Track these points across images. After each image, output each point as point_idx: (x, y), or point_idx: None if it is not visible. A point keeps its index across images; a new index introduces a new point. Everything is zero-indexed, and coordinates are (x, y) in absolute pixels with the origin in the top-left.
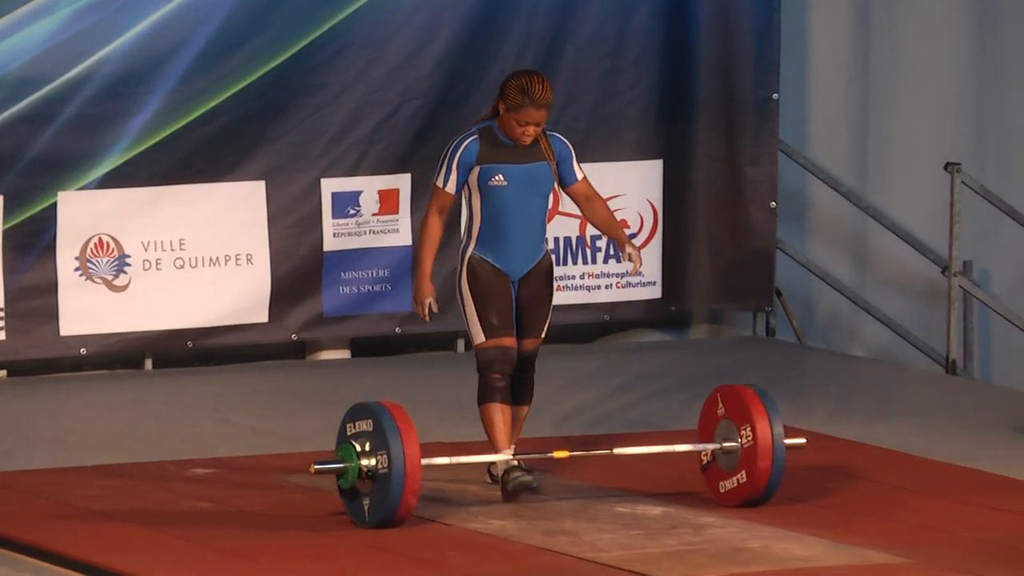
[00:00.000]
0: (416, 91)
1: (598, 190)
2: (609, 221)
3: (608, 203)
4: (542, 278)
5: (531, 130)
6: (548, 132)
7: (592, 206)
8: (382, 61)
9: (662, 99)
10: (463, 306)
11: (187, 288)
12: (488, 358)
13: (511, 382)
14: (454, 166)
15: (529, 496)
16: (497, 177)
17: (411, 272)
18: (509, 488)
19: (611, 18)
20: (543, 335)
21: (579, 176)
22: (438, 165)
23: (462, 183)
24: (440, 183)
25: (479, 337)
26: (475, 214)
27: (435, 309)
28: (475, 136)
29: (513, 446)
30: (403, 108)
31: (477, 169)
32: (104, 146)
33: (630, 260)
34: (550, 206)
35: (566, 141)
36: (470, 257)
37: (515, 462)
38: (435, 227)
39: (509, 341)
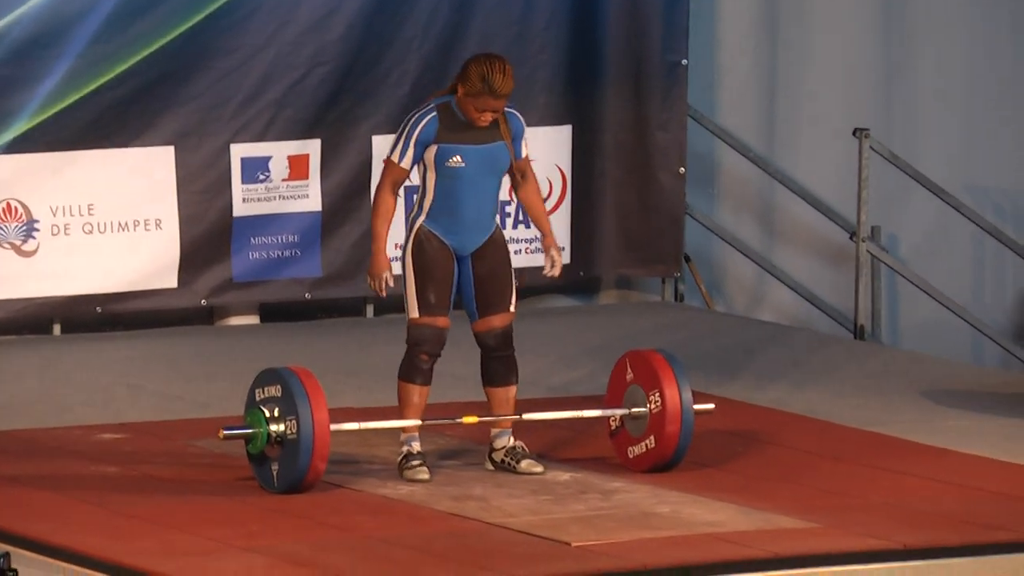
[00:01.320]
0: (326, 55)
1: None
2: (538, 208)
3: None
4: (498, 251)
5: (488, 116)
6: (506, 109)
7: (526, 184)
8: (292, 25)
9: (570, 65)
10: (404, 277)
11: (96, 253)
12: (419, 335)
13: (489, 363)
14: (412, 143)
15: (438, 463)
16: (455, 158)
17: (320, 238)
18: (402, 476)
19: None
20: (512, 309)
21: (523, 154)
22: (395, 139)
23: (417, 159)
24: (396, 158)
25: (413, 312)
26: (428, 189)
27: (391, 283)
28: (433, 113)
29: (512, 437)
30: (313, 72)
31: (435, 148)
32: (12, 110)
33: (552, 264)
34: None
35: (521, 118)
36: (418, 229)
37: (417, 450)
38: (389, 201)
39: (443, 322)
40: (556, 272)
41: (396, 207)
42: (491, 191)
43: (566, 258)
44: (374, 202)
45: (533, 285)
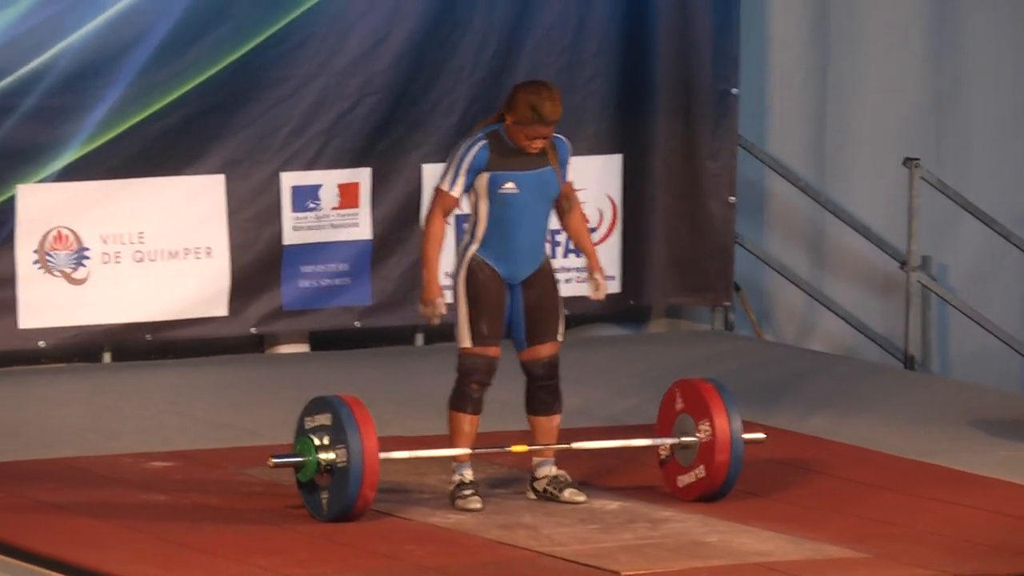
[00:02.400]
0: (376, 85)
1: None
2: (582, 232)
3: None
4: (547, 281)
5: (539, 143)
6: (553, 135)
7: (571, 207)
8: (342, 54)
9: (621, 93)
10: (455, 305)
11: (146, 281)
12: (471, 365)
13: (535, 392)
14: (463, 171)
15: (487, 491)
16: (508, 185)
17: (370, 266)
18: (454, 504)
19: (569, 12)
20: (560, 338)
21: (568, 178)
22: (445, 167)
23: (468, 187)
24: (446, 187)
25: (465, 342)
26: (480, 218)
27: (443, 310)
28: (484, 141)
29: (554, 466)
30: (363, 102)
31: (486, 175)
32: (63, 139)
33: (596, 288)
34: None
35: (568, 144)
36: (471, 258)
37: (469, 478)
38: (440, 229)
39: (494, 351)
40: (601, 296)
41: (445, 235)
42: (542, 217)
43: (616, 287)
44: (425, 230)
45: (582, 314)
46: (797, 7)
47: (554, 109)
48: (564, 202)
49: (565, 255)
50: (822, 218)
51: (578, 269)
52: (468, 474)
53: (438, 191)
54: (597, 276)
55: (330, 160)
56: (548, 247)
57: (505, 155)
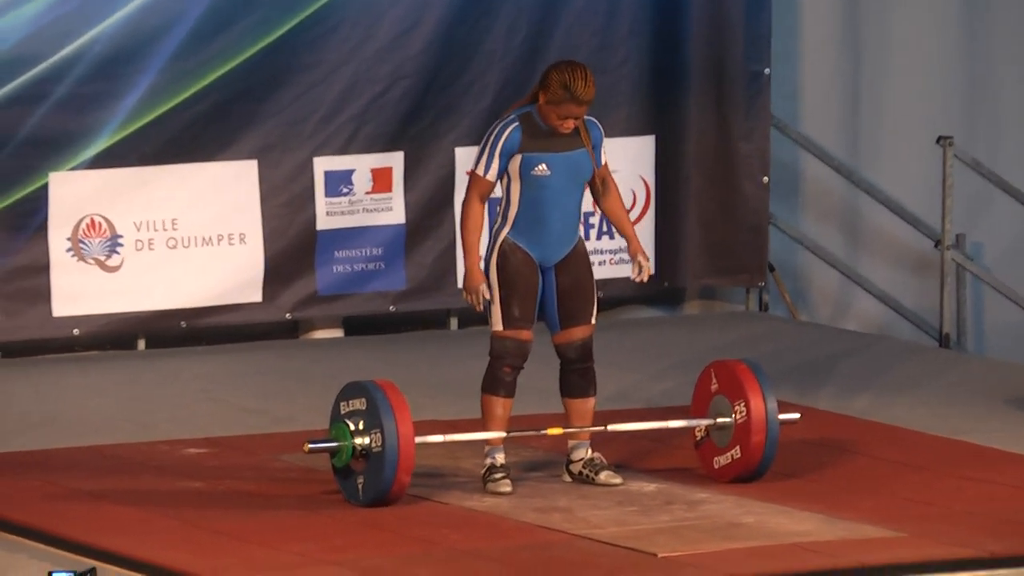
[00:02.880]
0: (407, 69)
1: None
2: (622, 215)
3: None
4: (581, 263)
5: (571, 123)
6: (585, 117)
7: (607, 192)
8: (373, 39)
9: (653, 75)
10: (488, 289)
11: (180, 268)
12: (503, 349)
13: (568, 375)
14: (496, 154)
15: (523, 474)
16: (540, 167)
17: (404, 251)
18: (486, 488)
19: None
20: (593, 320)
21: (603, 161)
22: (479, 151)
23: (503, 170)
24: (481, 171)
25: (498, 325)
26: (512, 200)
27: (487, 296)
28: (516, 123)
29: (590, 449)
30: (395, 86)
31: (519, 157)
32: (95, 126)
33: (640, 270)
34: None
35: (600, 126)
36: (503, 241)
37: (501, 462)
38: (479, 214)
39: (526, 335)
40: (644, 278)
41: (485, 219)
42: (575, 200)
43: (651, 268)
44: (463, 216)
45: (616, 296)
46: None
47: (587, 89)
48: (600, 185)
49: (599, 237)
50: (856, 198)
51: (612, 252)
52: (500, 458)
53: (472, 175)
54: (640, 259)
55: (363, 145)
56: (581, 229)
57: (537, 137)
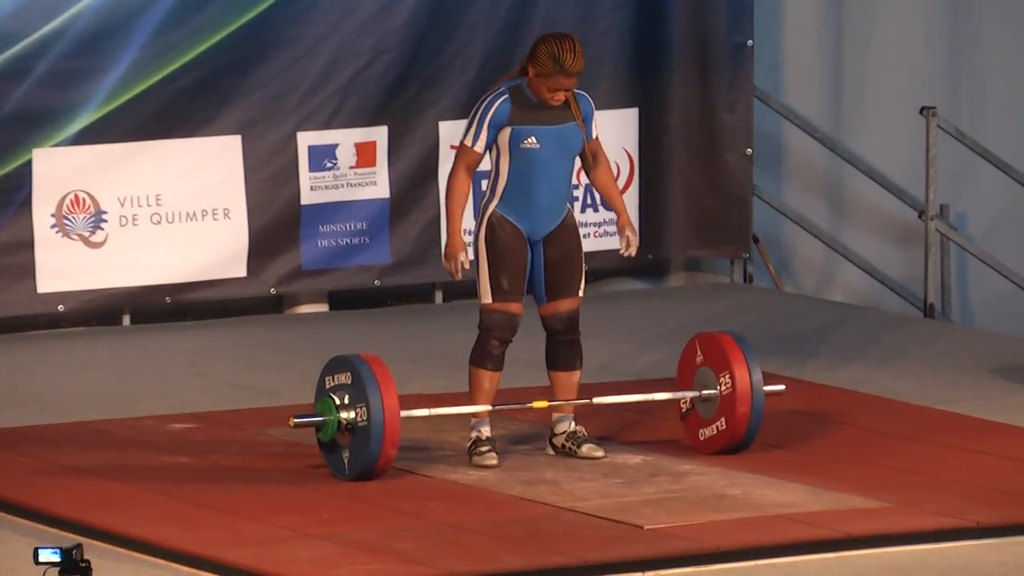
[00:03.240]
0: (391, 42)
1: None
2: (612, 189)
3: None
4: (571, 235)
5: (561, 95)
6: (575, 91)
7: (598, 166)
8: (356, 12)
9: (636, 47)
10: (476, 262)
11: (164, 243)
12: (492, 322)
13: (554, 347)
14: (485, 125)
15: (509, 447)
16: (530, 140)
17: (388, 225)
18: (471, 461)
19: None
20: (581, 294)
21: (594, 135)
22: (468, 123)
23: (491, 142)
24: (469, 142)
25: (486, 298)
26: (501, 173)
27: (467, 265)
28: (506, 96)
29: (573, 422)
30: (378, 60)
31: (508, 130)
32: (78, 102)
33: (628, 244)
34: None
35: (590, 100)
36: (491, 214)
37: (486, 435)
38: (464, 185)
39: (515, 308)
40: (632, 252)
41: (470, 190)
42: (564, 173)
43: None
44: (448, 184)
45: (602, 268)
46: None
47: (576, 61)
48: (591, 159)
49: (583, 210)
50: (839, 168)
51: (597, 224)
52: (486, 431)
53: (460, 146)
54: (628, 233)
55: (346, 119)
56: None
57: (527, 109)
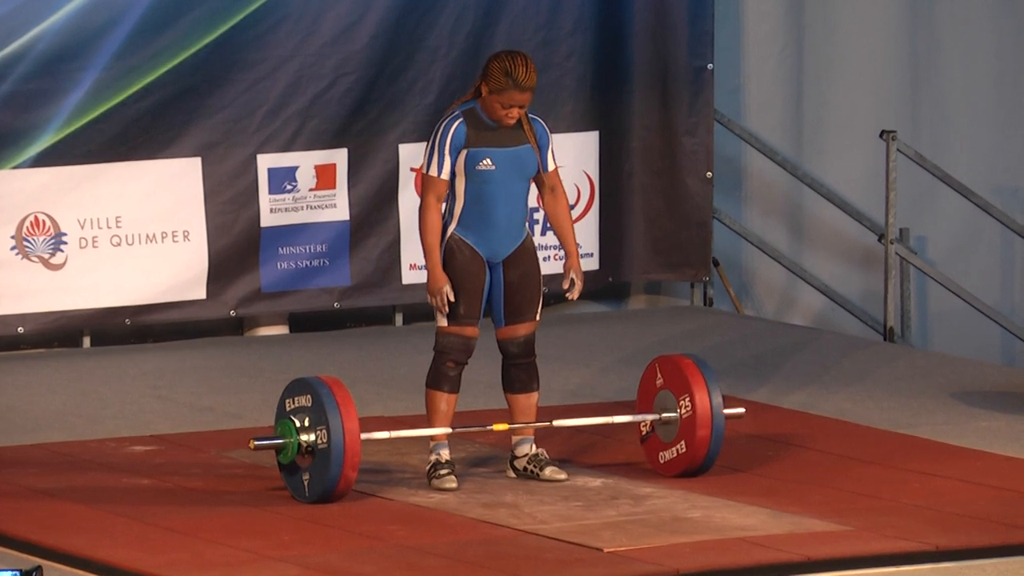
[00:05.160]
0: (351, 65)
1: None
2: (567, 228)
3: None
4: (530, 259)
5: (515, 112)
6: (530, 116)
7: (555, 199)
8: (317, 35)
9: (597, 70)
10: (451, 290)
11: (124, 265)
12: (447, 344)
13: (511, 370)
14: (446, 151)
15: (469, 470)
16: (485, 161)
17: (348, 247)
18: (431, 484)
19: None
20: (538, 317)
21: (551, 166)
22: (427, 153)
23: (454, 167)
24: (434, 172)
25: (442, 321)
26: (458, 196)
27: (452, 298)
28: (460, 119)
29: (534, 444)
30: (339, 82)
31: (464, 152)
32: (39, 124)
33: (572, 286)
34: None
35: (546, 128)
36: (449, 237)
37: (445, 458)
38: (436, 217)
39: (471, 331)
40: (575, 296)
41: (443, 221)
42: (520, 195)
43: (595, 264)
44: (421, 220)
45: (561, 291)
46: None
47: (528, 76)
48: (549, 192)
49: (543, 233)
50: (800, 192)
51: (557, 247)
52: (445, 453)
53: (426, 178)
54: (573, 275)
55: (307, 141)
56: (527, 226)
57: (481, 131)
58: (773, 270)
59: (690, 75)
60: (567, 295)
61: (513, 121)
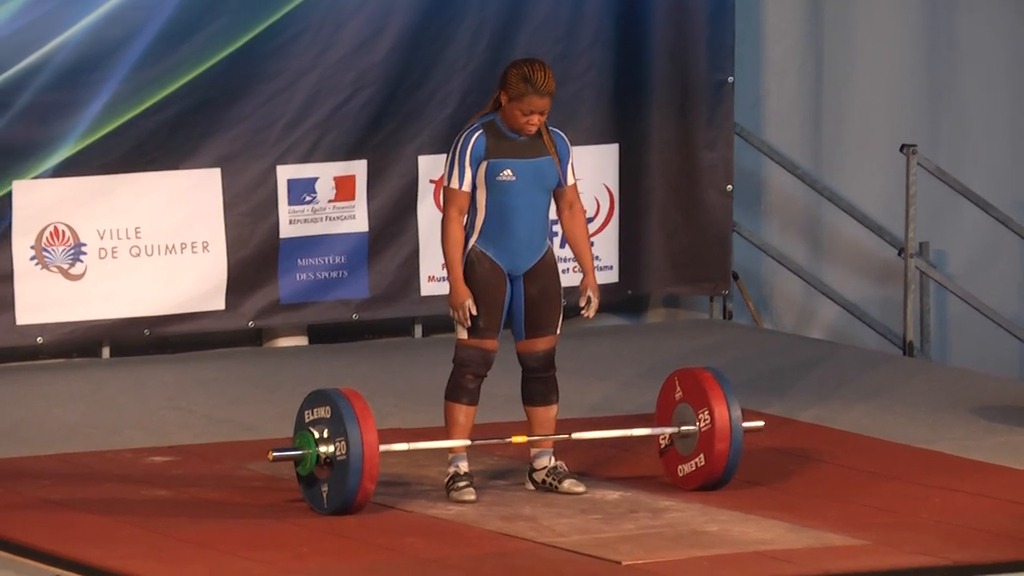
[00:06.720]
0: (370, 77)
1: None
2: (582, 242)
3: None
4: (550, 273)
5: (535, 119)
6: (551, 128)
7: (573, 215)
8: (336, 47)
9: (616, 83)
10: (474, 304)
11: (143, 276)
12: (467, 357)
13: (530, 383)
14: (466, 163)
15: (487, 482)
16: (505, 172)
17: (367, 259)
18: (449, 496)
19: (564, 2)
20: (558, 331)
21: (571, 181)
22: (447, 166)
23: (475, 179)
24: (455, 184)
25: (462, 333)
26: (479, 208)
27: (474, 311)
28: (480, 131)
29: (552, 457)
30: (358, 94)
31: (485, 164)
32: (59, 135)
33: (587, 303)
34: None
35: (568, 141)
36: (470, 250)
37: (464, 470)
38: (458, 230)
39: (491, 344)
40: (590, 314)
41: (465, 234)
42: (541, 207)
43: (614, 277)
44: (443, 232)
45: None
46: None
47: (547, 80)
48: (567, 209)
49: (562, 245)
50: (819, 206)
51: (575, 260)
52: (463, 466)
53: (447, 191)
54: (590, 294)
55: (326, 153)
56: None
57: (502, 142)
58: (792, 284)
59: (710, 89)
60: (582, 313)
61: (534, 129)
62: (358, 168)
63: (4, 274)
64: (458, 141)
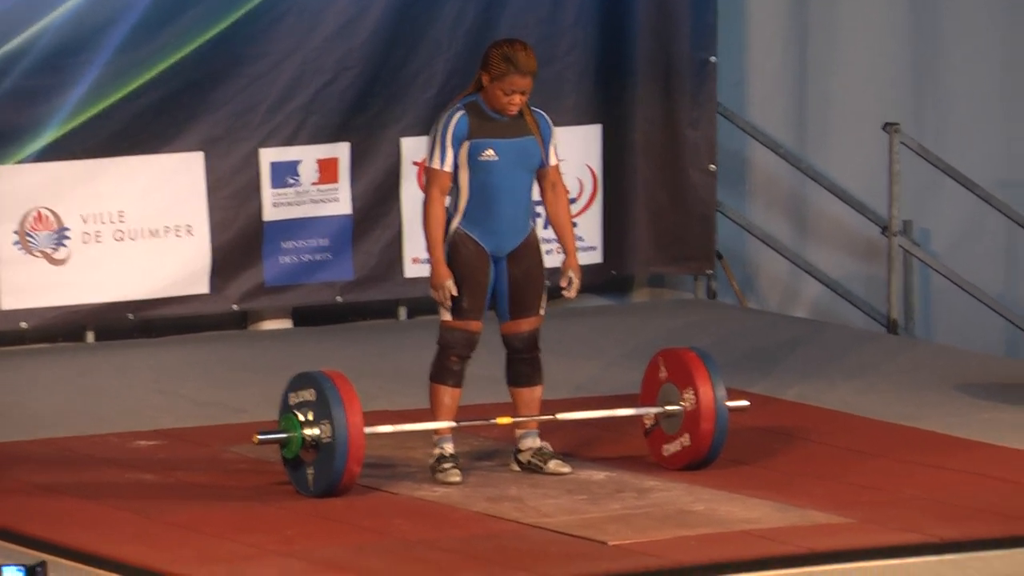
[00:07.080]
0: (353, 59)
1: None
2: (564, 223)
3: None
4: (534, 255)
5: (517, 98)
6: (533, 109)
7: (556, 196)
8: (319, 30)
9: (599, 63)
10: (454, 284)
11: (127, 260)
12: (451, 339)
13: (515, 365)
14: (448, 143)
15: (473, 464)
16: (488, 152)
17: (351, 241)
18: (435, 478)
19: None
20: (542, 312)
21: (553, 161)
22: (429, 146)
23: (456, 159)
24: (437, 164)
25: (446, 315)
26: (462, 188)
27: (455, 292)
28: (462, 111)
29: (538, 438)
30: (341, 77)
31: (467, 144)
32: (42, 119)
33: (569, 283)
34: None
35: (550, 122)
36: (454, 231)
37: (449, 452)
38: (440, 210)
39: (475, 326)
40: (572, 294)
41: (447, 214)
42: (524, 187)
43: (598, 257)
44: (424, 213)
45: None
46: None
47: (528, 59)
48: (550, 189)
49: (546, 227)
50: (803, 185)
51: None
52: (449, 447)
53: (429, 171)
54: (571, 274)
55: (309, 136)
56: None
57: (484, 123)
58: (776, 263)
59: (693, 68)
60: (564, 293)
61: (516, 109)
62: (341, 151)
63: None
64: (440, 121)
